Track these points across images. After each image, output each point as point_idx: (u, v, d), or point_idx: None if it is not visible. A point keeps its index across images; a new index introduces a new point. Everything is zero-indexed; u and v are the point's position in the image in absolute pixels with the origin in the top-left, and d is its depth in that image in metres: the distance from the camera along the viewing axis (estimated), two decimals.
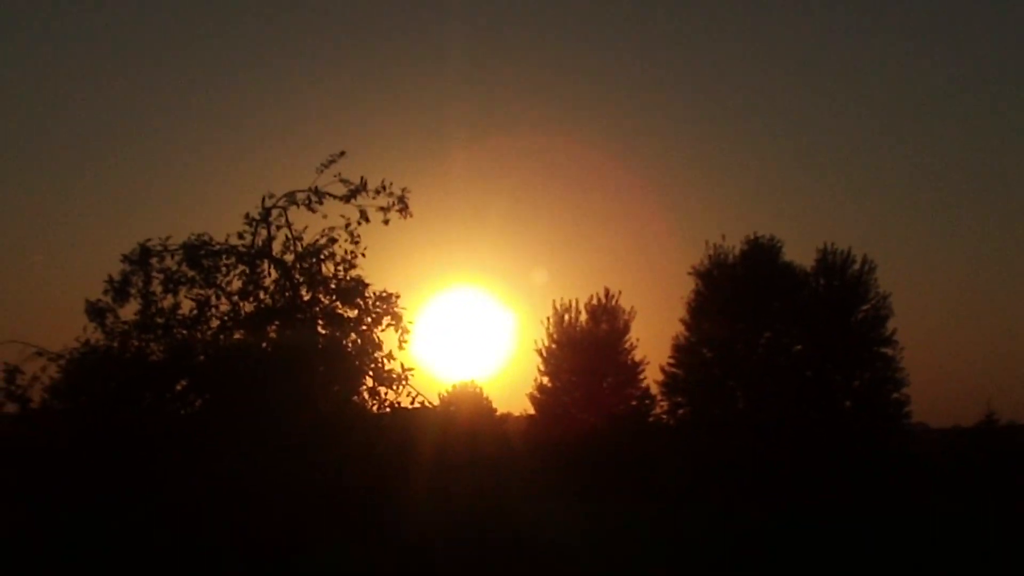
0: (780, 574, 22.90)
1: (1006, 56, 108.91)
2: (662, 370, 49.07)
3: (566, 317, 50.39)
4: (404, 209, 15.25)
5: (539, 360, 49.68)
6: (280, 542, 15.38)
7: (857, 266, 48.37)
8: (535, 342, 49.47)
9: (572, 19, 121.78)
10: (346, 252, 15.38)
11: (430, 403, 16.89)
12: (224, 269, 15.30)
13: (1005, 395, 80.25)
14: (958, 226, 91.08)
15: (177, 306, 15.16)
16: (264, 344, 15.46)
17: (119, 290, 14.92)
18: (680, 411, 48.76)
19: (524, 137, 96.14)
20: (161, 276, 15.08)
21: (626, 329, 50.34)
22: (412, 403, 15.77)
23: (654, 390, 49.97)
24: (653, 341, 51.48)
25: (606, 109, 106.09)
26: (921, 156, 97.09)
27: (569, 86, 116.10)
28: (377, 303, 15.39)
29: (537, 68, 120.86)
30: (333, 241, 15.37)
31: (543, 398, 49.35)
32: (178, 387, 15.51)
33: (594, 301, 50.73)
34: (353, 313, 15.51)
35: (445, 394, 39.29)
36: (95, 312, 14.91)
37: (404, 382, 15.50)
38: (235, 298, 15.36)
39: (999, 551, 26.18)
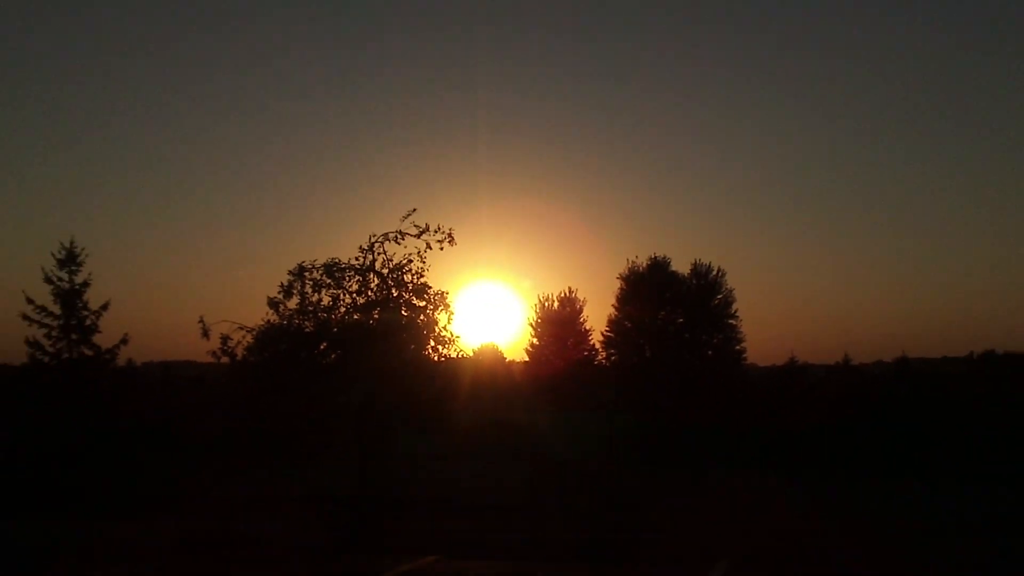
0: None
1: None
2: (602, 334, 63.96)
3: (546, 304, 65.02)
4: (451, 240, 20.39)
5: (531, 329, 64.21)
6: (381, 432, 20.83)
7: (714, 273, 63.78)
8: (529, 319, 64.04)
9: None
10: (418, 268, 20.39)
11: (467, 355, 21.97)
12: (347, 278, 20.26)
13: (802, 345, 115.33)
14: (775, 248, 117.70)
15: (320, 300, 20.14)
16: (371, 322, 20.16)
17: (286, 291, 20.07)
18: (612, 358, 63.67)
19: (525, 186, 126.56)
20: (311, 282, 20.10)
21: (581, 310, 65.25)
22: (457, 356, 21.02)
23: (598, 346, 64.44)
24: (596, 317, 69.01)
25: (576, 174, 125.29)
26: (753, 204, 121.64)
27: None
28: (436, 297, 20.49)
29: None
30: (410, 261, 20.33)
31: (532, 351, 63.98)
32: (322, 347, 20.33)
33: (562, 294, 65.28)
34: (422, 303, 20.41)
35: (476, 351, 50.34)
36: (273, 303, 20.05)
37: (451, 343, 20.69)
38: (354, 295, 20.31)
39: None
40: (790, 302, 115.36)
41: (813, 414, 46.61)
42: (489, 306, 63.56)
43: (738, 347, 65.72)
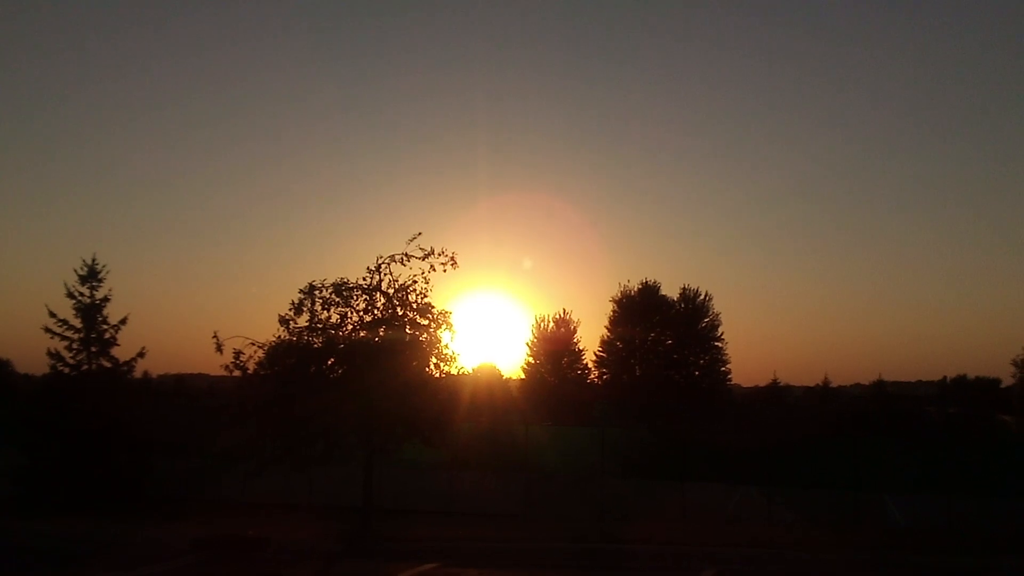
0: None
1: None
2: (595, 354, 66.68)
3: (541, 324, 67.12)
4: (454, 264, 20.52)
5: (527, 348, 67.11)
6: (384, 443, 20.66)
7: (702, 297, 65.80)
8: (526, 340, 66.86)
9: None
10: (422, 288, 20.63)
11: (467, 372, 22.26)
12: (355, 297, 20.47)
13: (781, 367, 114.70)
14: (760, 274, 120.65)
15: (329, 317, 20.35)
16: (377, 339, 20.26)
17: (296, 308, 20.28)
18: (605, 376, 66.40)
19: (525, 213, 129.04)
20: (320, 300, 20.31)
21: (575, 331, 67.07)
22: (457, 372, 21.35)
23: (591, 365, 67.14)
24: (590, 338, 69.81)
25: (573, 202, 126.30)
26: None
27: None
28: (439, 316, 20.66)
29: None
30: (415, 282, 20.56)
31: (528, 369, 66.73)
32: (329, 362, 20.33)
33: (557, 315, 67.12)
34: (425, 322, 20.59)
35: (475, 369, 50.50)
36: (283, 320, 20.25)
37: (453, 361, 20.96)
38: (361, 313, 20.52)
39: None
40: (774, 326, 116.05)
41: (793, 430, 46.89)
42: (488, 324, 64.13)
43: (723, 368, 66.27)
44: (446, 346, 20.91)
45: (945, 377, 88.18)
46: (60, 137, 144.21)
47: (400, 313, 20.75)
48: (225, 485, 26.64)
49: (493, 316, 67.26)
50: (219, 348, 19.82)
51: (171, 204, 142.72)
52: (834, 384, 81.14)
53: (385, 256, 20.78)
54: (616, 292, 67.04)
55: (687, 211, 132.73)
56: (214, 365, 20.96)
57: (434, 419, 20.52)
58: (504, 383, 62.94)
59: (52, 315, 26.87)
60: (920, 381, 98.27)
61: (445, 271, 20.83)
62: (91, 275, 27.28)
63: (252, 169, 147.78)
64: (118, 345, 27.30)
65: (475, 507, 26.40)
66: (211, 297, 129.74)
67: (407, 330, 20.63)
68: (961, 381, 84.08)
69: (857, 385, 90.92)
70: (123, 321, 27.47)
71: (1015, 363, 70.49)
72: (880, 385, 79.78)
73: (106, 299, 27.32)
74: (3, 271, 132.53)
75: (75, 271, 27.24)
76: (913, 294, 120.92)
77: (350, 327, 20.64)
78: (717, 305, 66.35)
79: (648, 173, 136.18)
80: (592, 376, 67.25)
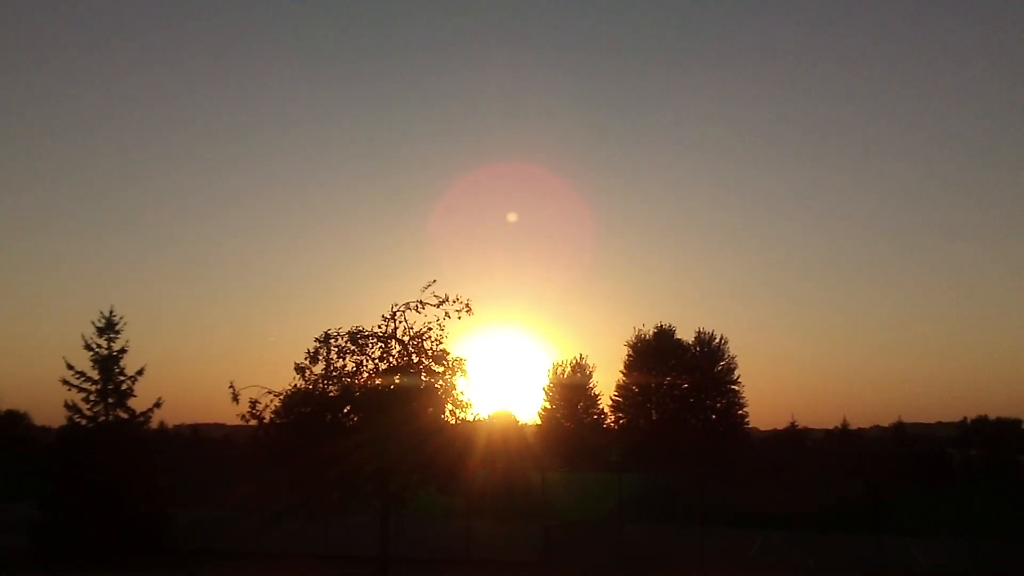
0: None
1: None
2: (611, 398, 67.63)
3: (558, 370, 68.66)
4: (469, 310, 20.50)
5: (544, 393, 68.31)
6: (400, 491, 20.26)
7: (717, 340, 65.99)
8: (543, 385, 68.13)
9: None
10: (437, 335, 20.47)
11: (482, 419, 21.52)
12: (370, 345, 20.29)
13: (799, 410, 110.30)
14: (776, 316, 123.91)
15: (344, 365, 20.12)
16: (392, 386, 20.02)
17: (312, 356, 20.04)
18: (621, 421, 66.79)
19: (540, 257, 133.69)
20: (336, 349, 20.09)
21: (590, 376, 68.79)
22: (472, 419, 21.00)
23: (607, 410, 68.29)
24: (605, 382, 69.73)
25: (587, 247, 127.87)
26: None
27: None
28: (454, 363, 20.48)
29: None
30: (430, 329, 20.43)
31: (545, 414, 66.79)
32: (345, 410, 20.16)
33: (573, 361, 68.33)
34: (441, 369, 20.43)
35: (490, 416, 50.45)
36: (299, 369, 20.01)
37: (468, 408, 20.74)
38: (376, 361, 20.29)
39: None
40: (791, 369, 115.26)
41: (813, 474, 46.43)
42: (504, 370, 63.71)
43: (740, 411, 65.72)
44: (461, 393, 20.75)
45: (965, 418, 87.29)
46: (77, 191, 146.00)
47: (415, 360, 20.59)
48: (242, 535, 26.55)
49: (508, 361, 66.87)
50: (235, 398, 19.67)
51: (187, 256, 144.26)
52: (853, 426, 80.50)
53: (400, 304, 20.72)
54: (631, 337, 67.43)
55: (703, 253, 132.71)
56: (230, 415, 20.94)
57: (450, 466, 20.26)
58: (520, 429, 63.39)
59: (70, 367, 27.01)
60: (940, 422, 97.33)
61: (460, 318, 20.74)
62: (108, 327, 27.46)
63: (266, 219, 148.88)
64: (135, 396, 27.39)
65: (492, 555, 26.19)
66: (227, 347, 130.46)
67: (422, 377, 20.47)
68: (982, 422, 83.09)
69: (876, 427, 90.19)
70: (140, 372, 27.59)
71: None
72: (900, 427, 79.05)
73: (123, 350, 27.46)
74: (21, 325, 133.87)
75: (92, 323, 27.44)
76: (932, 334, 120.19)
77: (366, 375, 20.46)
78: (733, 347, 66.69)
79: (661, 215, 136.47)
80: (608, 421, 67.47)
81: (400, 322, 20.78)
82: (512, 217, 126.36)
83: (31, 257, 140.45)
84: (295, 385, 20.33)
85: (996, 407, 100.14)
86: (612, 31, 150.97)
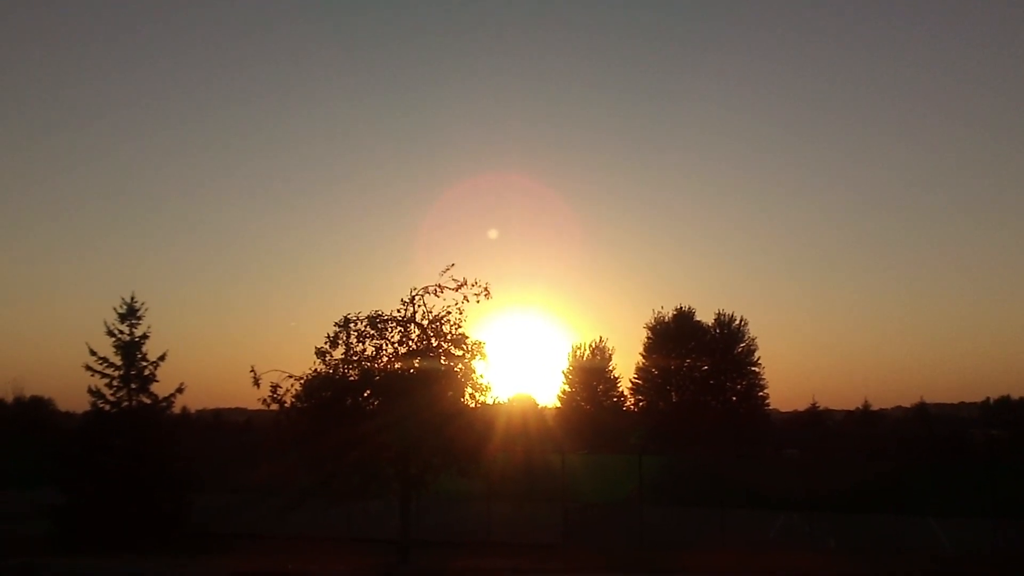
0: None
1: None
2: (631, 381, 66.89)
3: (577, 352, 67.93)
4: (487, 294, 20.58)
5: (563, 376, 67.79)
6: (421, 474, 20.57)
7: (737, 322, 65.32)
8: (563, 368, 67.72)
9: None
10: (456, 319, 20.66)
11: (501, 402, 21.92)
12: (390, 329, 20.55)
13: (820, 391, 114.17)
14: (796, 297, 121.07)
15: (364, 350, 20.45)
16: (412, 370, 20.33)
17: (332, 341, 20.38)
18: (641, 404, 65.92)
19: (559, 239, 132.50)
20: (356, 333, 20.41)
21: (610, 359, 67.72)
22: (492, 402, 21.26)
23: (626, 392, 67.57)
24: (624, 365, 70.25)
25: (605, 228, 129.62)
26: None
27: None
28: (473, 346, 20.64)
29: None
30: (449, 313, 20.60)
31: (564, 397, 67.18)
32: (365, 394, 20.47)
33: (593, 343, 67.85)
34: (460, 353, 20.60)
35: (510, 398, 50.38)
36: (319, 353, 20.37)
37: (487, 391, 20.96)
38: (396, 345, 20.57)
39: None
40: (811, 349, 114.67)
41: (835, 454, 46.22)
42: (523, 352, 63.88)
43: (761, 392, 65.28)
44: (480, 376, 20.93)
45: (988, 398, 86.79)
46: (100, 178, 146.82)
47: (434, 344, 20.74)
48: (263, 519, 26.70)
49: (528, 345, 66.73)
50: (256, 382, 19.93)
51: (208, 242, 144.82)
52: (875, 407, 79.81)
53: (419, 288, 20.84)
54: (650, 319, 66.73)
55: (722, 233, 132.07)
56: (252, 399, 20.43)
57: (469, 449, 20.39)
58: (539, 412, 62.94)
59: (93, 353, 27.16)
60: (963, 403, 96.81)
61: (479, 302, 20.85)
62: (130, 313, 27.58)
63: (288, 205, 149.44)
64: (157, 381, 27.50)
65: (512, 537, 26.24)
66: (248, 332, 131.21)
67: (442, 361, 20.63)
68: (1005, 402, 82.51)
69: (898, 408, 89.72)
70: (162, 357, 27.69)
71: None
72: (922, 408, 78.62)
73: (145, 336, 27.59)
74: (46, 312, 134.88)
75: (115, 309, 27.56)
76: (954, 314, 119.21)
77: (385, 359, 20.69)
78: (753, 329, 65.93)
79: (681, 198, 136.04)
80: (628, 403, 67.11)
81: (419, 306, 20.95)
82: (532, 200, 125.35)
83: (54, 245, 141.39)
84: (316, 369, 20.52)
85: (1019, 387, 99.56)
86: None
